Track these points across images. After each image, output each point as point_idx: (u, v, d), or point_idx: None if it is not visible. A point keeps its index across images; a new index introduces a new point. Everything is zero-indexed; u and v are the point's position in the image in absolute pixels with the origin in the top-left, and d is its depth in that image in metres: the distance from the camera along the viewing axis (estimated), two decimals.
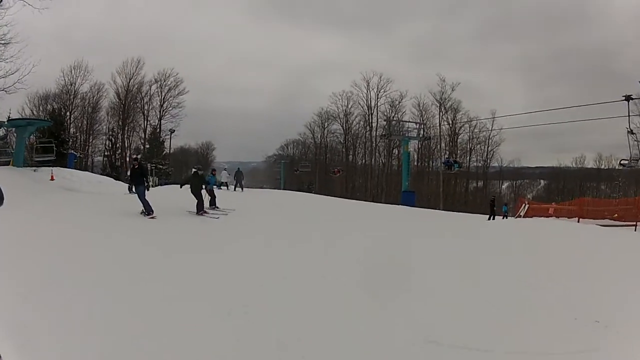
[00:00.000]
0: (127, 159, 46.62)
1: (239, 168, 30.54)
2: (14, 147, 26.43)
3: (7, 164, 23.57)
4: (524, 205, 21.13)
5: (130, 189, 14.49)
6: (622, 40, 48.15)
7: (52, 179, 21.41)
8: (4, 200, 1.23)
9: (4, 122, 24.78)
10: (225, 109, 57.05)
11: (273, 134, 58.40)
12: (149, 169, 29.57)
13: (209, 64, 58.35)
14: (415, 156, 44.98)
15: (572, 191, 46.47)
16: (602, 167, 46.34)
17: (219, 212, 15.83)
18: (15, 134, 26.98)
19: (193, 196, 14.71)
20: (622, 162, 27.37)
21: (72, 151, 36.67)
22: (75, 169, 30.47)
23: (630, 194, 40.65)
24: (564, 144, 63.74)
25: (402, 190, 36.54)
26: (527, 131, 45.16)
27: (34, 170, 22.59)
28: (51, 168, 22.91)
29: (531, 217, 19.94)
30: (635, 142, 25.01)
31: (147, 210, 13.32)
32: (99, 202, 15.89)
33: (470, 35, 54.63)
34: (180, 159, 48.78)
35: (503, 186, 47.57)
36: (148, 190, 13.74)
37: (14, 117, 27.15)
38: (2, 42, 25.60)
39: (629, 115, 24.83)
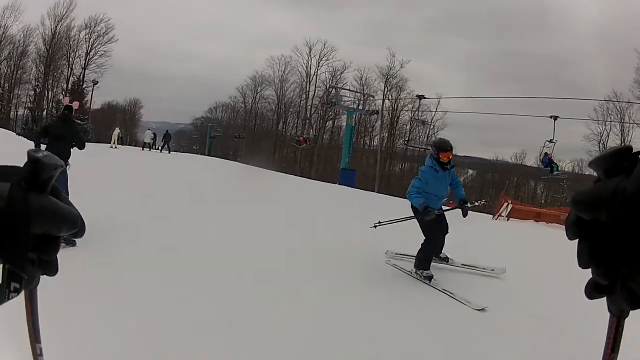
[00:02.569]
0: (47, 113, 41.89)
1: (167, 131, 28.21)
2: None
3: None
4: (506, 204, 17.11)
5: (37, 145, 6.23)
6: (575, 52, 48.69)
7: None
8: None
9: None
10: (163, 71, 54.03)
11: (206, 97, 55.22)
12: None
13: (155, 27, 55.29)
14: None
15: (503, 185, 46.15)
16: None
17: None
18: None
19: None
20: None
21: None
22: None
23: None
24: (500, 140, 65.31)
25: (341, 168, 32.42)
26: (464, 121, 44.76)
27: None
28: None
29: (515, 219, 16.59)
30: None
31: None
32: None
33: (421, 26, 53.14)
34: (107, 116, 43.97)
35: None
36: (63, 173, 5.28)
37: None
38: None
39: (554, 131, 29.41)
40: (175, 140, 53.58)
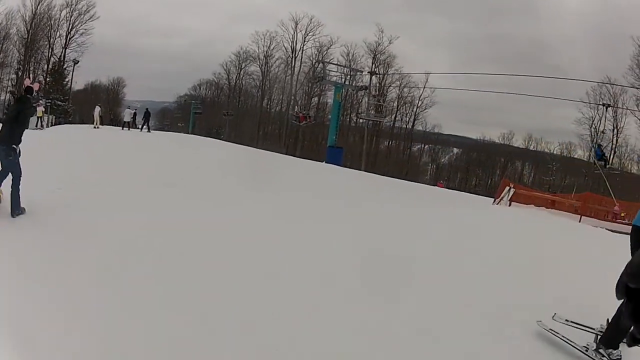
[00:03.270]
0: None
1: (147, 109, 26.93)
2: None
3: None
4: (508, 188, 15.52)
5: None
6: (561, 36, 48.03)
7: None
8: None
9: None
10: (145, 47, 52.69)
11: (190, 74, 54.01)
12: (39, 106, 22.61)
13: (137, 2, 54.05)
14: None
15: (492, 165, 45.51)
16: (531, 147, 45.38)
17: None
18: None
19: None
20: None
21: None
22: None
23: (562, 181, 41.34)
24: (486, 119, 65.16)
25: (328, 145, 31.17)
26: (450, 100, 44.10)
27: None
28: None
29: (524, 203, 14.97)
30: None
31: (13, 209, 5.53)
32: None
33: (403, 4, 52.01)
34: (91, 96, 42.78)
35: (414, 148, 44.60)
36: (13, 157, 5.53)
37: None
38: None
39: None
40: (159, 118, 52.30)
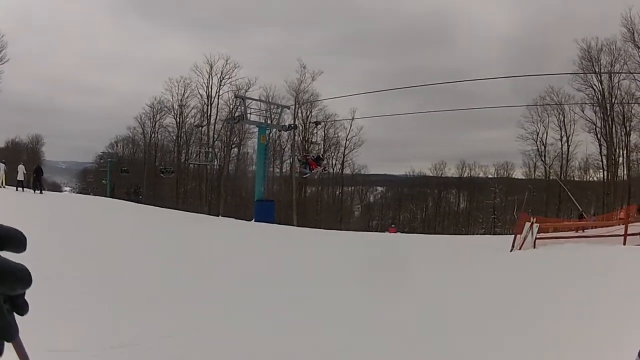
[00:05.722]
0: None
1: (38, 165, 23.31)
2: None
3: None
4: (530, 224, 11.40)
5: None
6: (474, 63, 49.25)
7: None
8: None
9: None
10: (66, 106, 50.33)
11: (108, 131, 51.68)
12: None
13: (62, 59, 51.35)
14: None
15: (425, 198, 43.82)
16: (465, 175, 44.18)
17: None
18: None
19: None
20: None
21: None
22: None
23: (503, 202, 40.05)
24: (413, 154, 65.55)
25: (256, 199, 25.60)
26: (373, 140, 42.21)
27: None
28: None
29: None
30: None
31: None
32: None
33: (322, 48, 52.17)
34: (13, 155, 37.50)
35: (338, 192, 42.15)
36: None
37: None
38: None
39: None
40: (80, 179, 47.40)
